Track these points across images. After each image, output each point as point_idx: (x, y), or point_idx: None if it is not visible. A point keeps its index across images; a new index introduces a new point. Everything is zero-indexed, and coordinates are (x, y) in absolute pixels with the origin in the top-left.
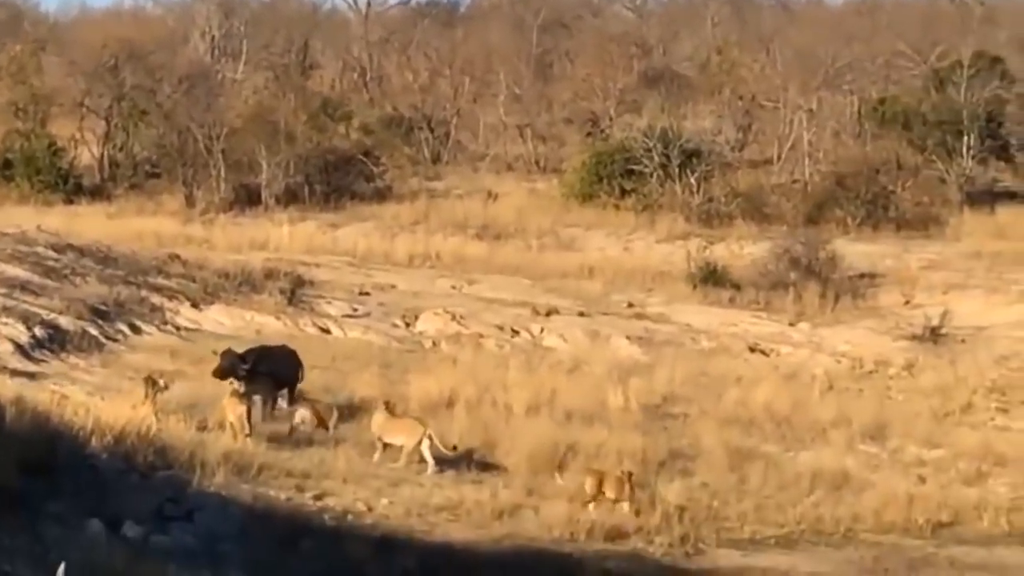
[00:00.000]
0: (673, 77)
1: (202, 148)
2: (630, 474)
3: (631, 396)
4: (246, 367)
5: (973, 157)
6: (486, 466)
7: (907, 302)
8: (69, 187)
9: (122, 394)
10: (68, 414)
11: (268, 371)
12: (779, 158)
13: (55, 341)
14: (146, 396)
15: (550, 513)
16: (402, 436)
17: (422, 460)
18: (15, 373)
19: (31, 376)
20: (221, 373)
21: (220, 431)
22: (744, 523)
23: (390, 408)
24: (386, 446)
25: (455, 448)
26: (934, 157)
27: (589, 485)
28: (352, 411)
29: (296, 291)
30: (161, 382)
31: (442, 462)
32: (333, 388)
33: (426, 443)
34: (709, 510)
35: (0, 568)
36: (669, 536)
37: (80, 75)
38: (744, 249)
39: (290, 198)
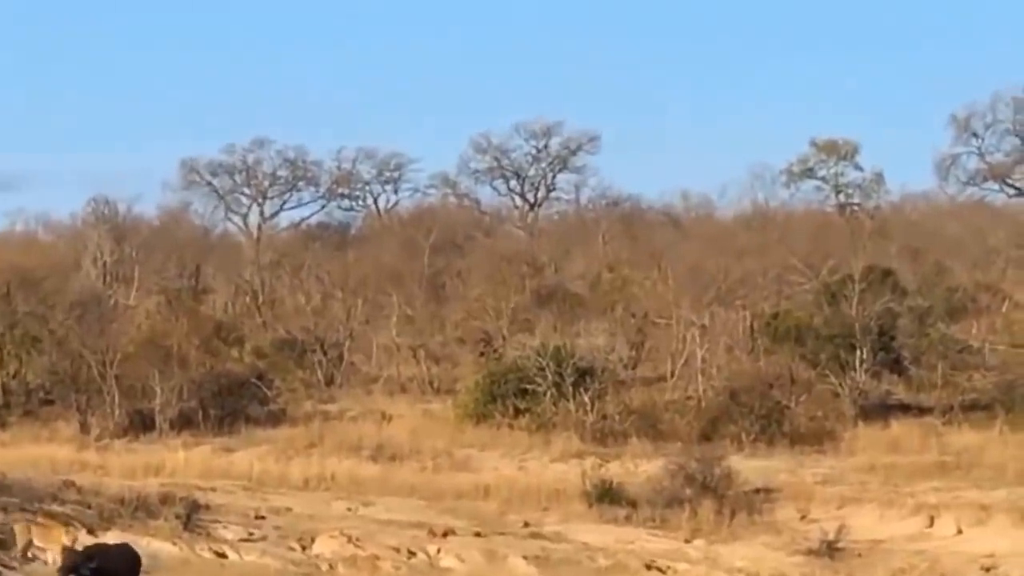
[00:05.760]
0: (565, 295)
1: (95, 374)
2: None
3: None
4: (91, 566)
5: (866, 371)
6: None
7: (803, 517)
8: None
9: None
10: None
11: (108, 568)
12: (672, 374)
13: None
14: None
15: None
16: None
17: None
18: None
19: None
20: (65, 571)
21: None
22: None
23: None
24: None
25: None
26: (827, 371)
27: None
28: None
29: (192, 516)
30: None
31: None
32: None
33: None
34: None
35: None
36: None
37: None
38: (639, 466)
39: (184, 423)
